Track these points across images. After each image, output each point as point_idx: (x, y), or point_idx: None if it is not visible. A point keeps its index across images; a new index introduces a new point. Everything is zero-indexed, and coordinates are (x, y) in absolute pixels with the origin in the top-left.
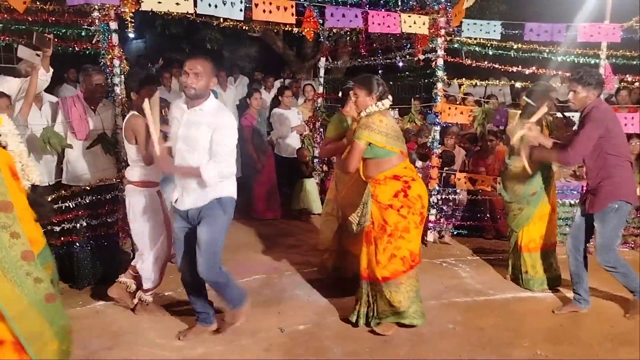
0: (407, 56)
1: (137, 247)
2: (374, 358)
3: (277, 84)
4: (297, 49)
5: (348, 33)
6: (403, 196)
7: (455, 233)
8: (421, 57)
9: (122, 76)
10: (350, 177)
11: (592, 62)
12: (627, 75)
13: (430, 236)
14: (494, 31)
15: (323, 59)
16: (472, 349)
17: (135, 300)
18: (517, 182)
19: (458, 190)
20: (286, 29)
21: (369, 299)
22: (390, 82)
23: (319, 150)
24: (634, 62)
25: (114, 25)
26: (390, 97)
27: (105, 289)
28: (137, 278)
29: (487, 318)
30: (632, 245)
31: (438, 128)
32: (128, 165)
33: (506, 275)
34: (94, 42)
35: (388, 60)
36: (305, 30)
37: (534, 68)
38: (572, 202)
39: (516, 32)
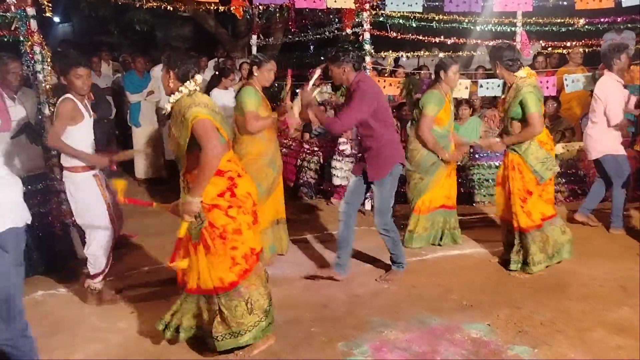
0: (336, 31)
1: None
2: (314, 321)
3: (211, 63)
4: (232, 27)
5: (278, 10)
6: (230, 195)
7: None
8: (349, 31)
9: (44, 63)
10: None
11: (509, 30)
12: (541, 41)
13: (367, 204)
14: (416, 4)
15: (254, 37)
16: (405, 306)
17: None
18: (418, 152)
19: None
20: (215, 7)
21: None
22: (322, 57)
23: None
24: (546, 29)
25: (31, 10)
26: (198, 76)
27: (45, 279)
28: None
29: (418, 277)
30: (554, 201)
31: None
32: (55, 153)
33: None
34: (12, 29)
35: (318, 36)
36: (233, 8)
37: (454, 38)
38: (497, 164)
39: (437, 3)
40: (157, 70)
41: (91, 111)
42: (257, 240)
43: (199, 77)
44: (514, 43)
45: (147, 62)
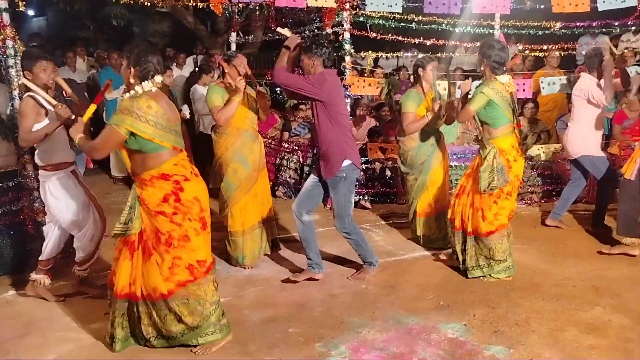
0: (316, 30)
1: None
2: (292, 321)
3: (190, 60)
4: (211, 24)
5: (257, 8)
6: (175, 200)
7: (370, 200)
8: (329, 30)
9: (17, 57)
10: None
11: (487, 32)
12: (518, 44)
13: None
14: (396, 4)
15: (234, 34)
16: (383, 306)
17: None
18: (408, 153)
19: (370, 160)
20: (193, 4)
21: (134, 321)
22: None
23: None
24: (524, 32)
25: (3, 3)
26: (159, 76)
27: (16, 278)
28: (49, 272)
29: (396, 276)
30: (529, 202)
31: (349, 101)
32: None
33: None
34: None
35: (298, 34)
36: (212, 4)
37: (433, 40)
38: None
39: (416, 5)
40: None
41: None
42: (208, 251)
43: (158, 78)
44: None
45: (122, 58)
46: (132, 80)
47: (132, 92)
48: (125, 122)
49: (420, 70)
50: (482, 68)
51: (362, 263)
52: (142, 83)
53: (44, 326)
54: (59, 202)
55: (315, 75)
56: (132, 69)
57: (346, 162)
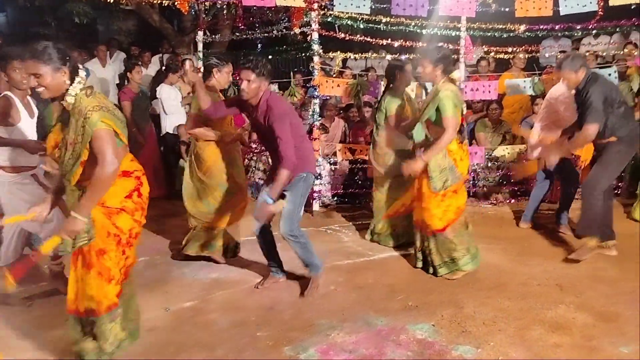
0: (284, 30)
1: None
2: (260, 325)
3: (156, 59)
4: (177, 22)
5: (225, 7)
6: (137, 196)
7: (339, 201)
8: (297, 30)
9: None
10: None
11: (454, 34)
12: (484, 46)
13: (316, 205)
14: (364, 5)
15: (200, 33)
16: (351, 307)
17: None
18: (390, 156)
19: (339, 160)
20: (159, 2)
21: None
22: (270, 57)
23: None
24: (489, 34)
25: None
26: (82, 71)
27: None
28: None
29: (365, 277)
30: (495, 202)
31: (317, 101)
32: None
33: (365, 236)
34: None
35: (266, 34)
36: (178, 3)
37: (401, 41)
38: None
39: (384, 6)
40: (92, 63)
41: (35, 109)
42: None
43: (82, 73)
44: (459, 47)
45: (84, 57)
46: (66, 80)
47: (87, 90)
48: (105, 116)
49: (397, 72)
50: (435, 73)
51: (309, 272)
52: (75, 81)
53: (2, 335)
54: (19, 203)
55: (279, 115)
56: (67, 71)
57: (302, 174)
